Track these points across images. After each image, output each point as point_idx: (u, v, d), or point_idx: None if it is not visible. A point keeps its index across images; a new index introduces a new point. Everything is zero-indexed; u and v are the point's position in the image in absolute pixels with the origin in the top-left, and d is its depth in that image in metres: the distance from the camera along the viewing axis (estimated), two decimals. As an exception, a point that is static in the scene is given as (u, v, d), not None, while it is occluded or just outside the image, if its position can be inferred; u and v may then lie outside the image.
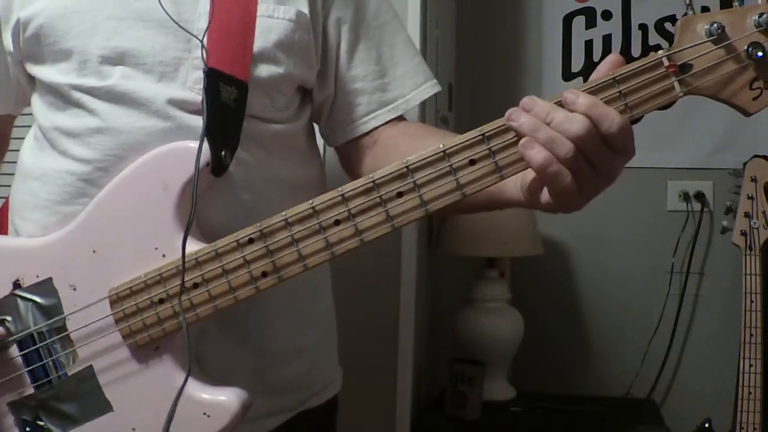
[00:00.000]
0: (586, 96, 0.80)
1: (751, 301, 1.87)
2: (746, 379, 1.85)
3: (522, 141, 0.81)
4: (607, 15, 2.53)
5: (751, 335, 1.86)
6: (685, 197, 2.48)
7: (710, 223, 2.47)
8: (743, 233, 1.90)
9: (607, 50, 2.53)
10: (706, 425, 2.00)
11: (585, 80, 2.46)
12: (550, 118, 0.80)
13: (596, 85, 0.81)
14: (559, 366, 2.53)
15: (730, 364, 2.06)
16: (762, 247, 1.89)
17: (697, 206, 2.47)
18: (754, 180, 1.91)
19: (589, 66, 2.53)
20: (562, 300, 2.56)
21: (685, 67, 0.82)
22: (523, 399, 2.31)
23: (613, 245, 2.52)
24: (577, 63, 2.55)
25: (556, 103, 0.81)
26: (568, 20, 2.56)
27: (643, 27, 2.50)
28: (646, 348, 2.46)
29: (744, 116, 0.85)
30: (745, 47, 0.81)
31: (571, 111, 0.80)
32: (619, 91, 0.81)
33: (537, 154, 0.79)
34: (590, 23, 2.54)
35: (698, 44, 0.82)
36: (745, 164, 1.93)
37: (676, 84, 0.82)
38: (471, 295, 2.31)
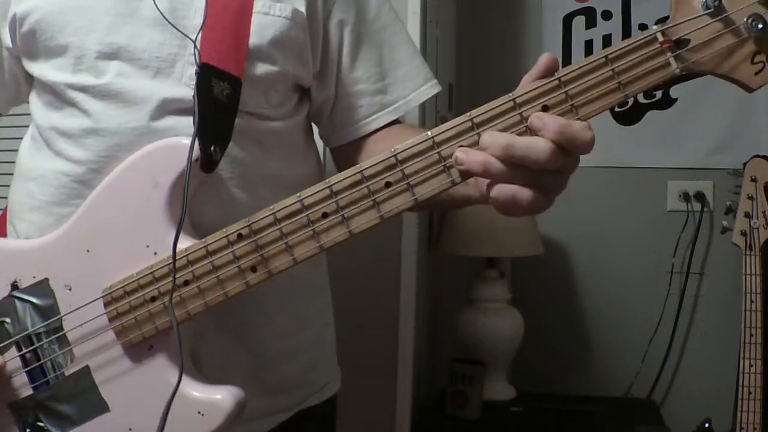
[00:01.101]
0: (553, 119, 0.77)
1: (751, 301, 1.87)
2: (746, 379, 1.85)
3: (486, 185, 0.79)
4: (607, 15, 2.53)
5: (751, 335, 1.85)
6: (685, 197, 2.48)
7: (710, 223, 2.47)
8: (743, 233, 1.90)
9: (607, 50, 2.53)
10: (706, 425, 2.00)
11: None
12: (509, 153, 0.77)
13: (588, 64, 0.79)
14: (559, 366, 2.53)
15: (730, 364, 2.06)
16: (762, 247, 1.89)
17: (697, 206, 2.47)
18: (754, 180, 1.90)
19: (589, 66, 2.53)
20: (562, 300, 2.56)
21: (681, 43, 0.79)
22: (523, 399, 2.31)
23: (613, 245, 2.52)
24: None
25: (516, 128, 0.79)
26: (568, 20, 2.56)
27: (643, 27, 2.50)
28: (646, 348, 2.46)
29: (747, 92, 0.82)
30: (744, 19, 0.77)
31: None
32: (612, 70, 0.78)
33: (501, 192, 0.78)
34: (590, 23, 2.54)
35: (694, 18, 0.79)
36: (745, 164, 1.93)
37: (672, 60, 0.79)
38: (471, 295, 2.31)
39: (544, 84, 0.80)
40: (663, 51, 0.79)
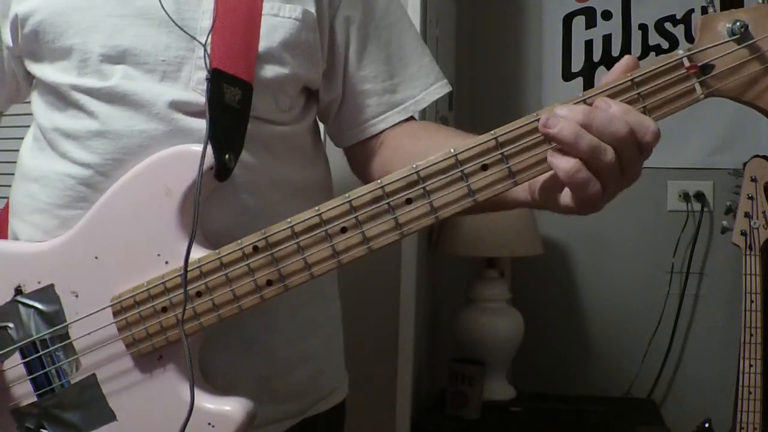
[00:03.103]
0: (618, 103, 0.78)
1: (751, 301, 1.87)
2: (746, 379, 1.85)
3: (550, 150, 0.79)
4: (607, 15, 2.53)
5: (751, 335, 1.86)
6: (685, 197, 2.48)
7: (710, 223, 2.47)
8: (743, 233, 1.90)
9: (607, 50, 2.53)
10: (706, 425, 2.01)
11: (585, 80, 2.46)
12: (590, 119, 0.77)
13: (614, 86, 0.79)
14: (559, 366, 2.53)
15: (730, 364, 2.06)
16: (762, 247, 1.89)
17: (697, 206, 2.47)
18: (754, 180, 1.90)
19: (590, 66, 2.53)
20: (562, 300, 2.56)
21: (706, 68, 0.78)
22: (523, 399, 2.31)
23: (613, 245, 2.52)
24: (577, 63, 2.55)
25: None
26: (568, 20, 2.55)
27: (643, 27, 2.50)
28: (646, 348, 2.46)
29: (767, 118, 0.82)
30: None
31: None
32: (638, 93, 0.78)
33: (566, 162, 0.77)
34: (590, 23, 2.54)
35: (720, 44, 0.78)
36: (745, 164, 1.93)
37: (697, 86, 0.78)
38: (471, 295, 2.30)
39: (572, 104, 0.79)
40: (689, 76, 0.78)
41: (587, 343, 2.56)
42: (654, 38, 2.49)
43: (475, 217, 2.18)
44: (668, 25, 2.48)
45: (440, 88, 1.14)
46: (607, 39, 2.53)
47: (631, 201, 2.46)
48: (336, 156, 1.20)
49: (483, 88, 2.55)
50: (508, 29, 2.60)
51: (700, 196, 2.46)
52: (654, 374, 2.46)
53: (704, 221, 2.46)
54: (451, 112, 2.41)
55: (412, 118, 1.13)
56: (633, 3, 2.50)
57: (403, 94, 1.11)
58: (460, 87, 2.54)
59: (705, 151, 2.48)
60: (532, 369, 2.45)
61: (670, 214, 2.50)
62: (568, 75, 2.54)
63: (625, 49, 2.50)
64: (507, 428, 2.16)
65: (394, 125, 1.11)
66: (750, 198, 1.91)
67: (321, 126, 1.18)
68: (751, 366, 1.85)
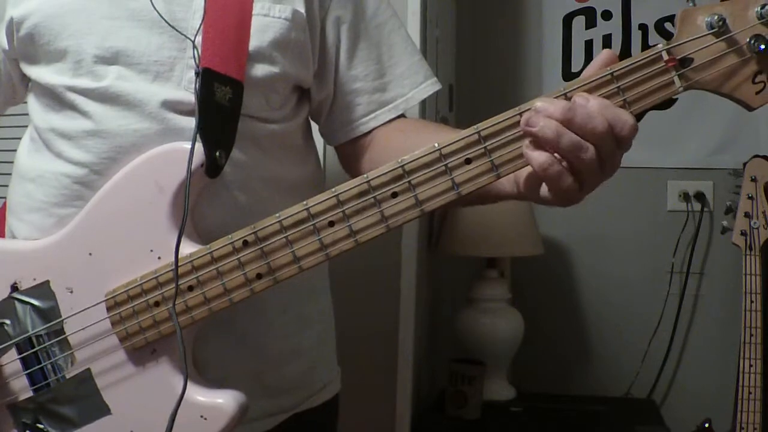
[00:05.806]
0: (596, 98, 0.79)
1: (751, 301, 1.87)
2: (746, 379, 1.85)
3: (526, 142, 0.80)
4: (607, 15, 2.53)
5: (751, 335, 1.86)
6: (685, 197, 2.48)
7: (710, 223, 2.47)
8: (743, 233, 1.90)
9: (607, 50, 2.53)
10: (706, 425, 2.00)
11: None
12: (570, 115, 0.78)
13: (594, 80, 0.80)
14: (559, 366, 2.53)
15: (730, 364, 2.06)
16: (762, 247, 1.89)
17: (697, 206, 2.47)
18: (754, 180, 1.90)
19: (590, 66, 2.53)
20: (562, 300, 2.56)
21: (685, 61, 0.80)
22: (523, 399, 2.31)
23: (613, 245, 2.52)
24: (577, 63, 2.55)
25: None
26: (568, 20, 2.56)
27: (643, 27, 2.50)
28: (646, 348, 2.46)
29: (747, 111, 0.83)
30: (747, 39, 0.79)
31: None
32: (618, 87, 0.80)
33: (539, 155, 0.79)
34: (590, 23, 2.54)
35: (699, 37, 0.80)
36: (745, 164, 1.93)
37: (676, 78, 0.80)
38: (471, 295, 2.31)
39: (552, 98, 0.80)
40: (668, 69, 0.80)
41: (587, 343, 2.56)
42: (654, 38, 2.49)
43: (475, 216, 2.18)
44: (668, 25, 2.48)
45: (430, 86, 1.15)
46: (607, 39, 2.53)
47: (631, 201, 2.48)
48: (334, 154, 1.21)
49: (483, 89, 2.55)
50: (508, 29, 2.60)
51: (700, 196, 2.46)
52: (654, 374, 2.45)
53: (704, 221, 2.46)
54: (452, 112, 2.42)
55: (402, 115, 1.14)
56: (633, 3, 2.50)
57: (393, 92, 1.13)
58: (460, 87, 2.55)
59: (705, 151, 2.48)
60: (532, 369, 2.45)
61: (670, 214, 2.50)
62: (568, 75, 2.54)
63: (625, 49, 2.50)
64: (507, 428, 2.16)
65: (384, 123, 1.12)
66: (750, 198, 1.91)
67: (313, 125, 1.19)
68: (751, 366, 1.85)
